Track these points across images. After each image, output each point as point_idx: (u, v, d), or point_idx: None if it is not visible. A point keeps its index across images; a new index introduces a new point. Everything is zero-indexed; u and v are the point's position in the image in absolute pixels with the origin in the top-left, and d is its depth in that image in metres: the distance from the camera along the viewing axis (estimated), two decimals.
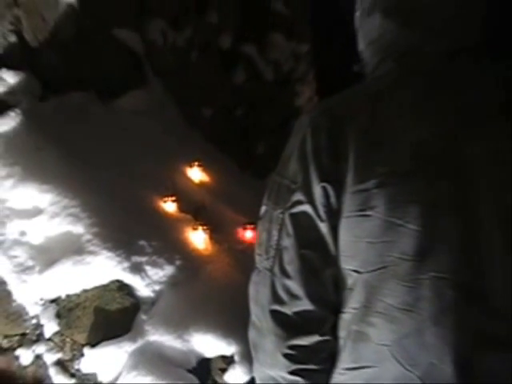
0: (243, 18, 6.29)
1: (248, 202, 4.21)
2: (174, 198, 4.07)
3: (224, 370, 3.44)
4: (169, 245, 3.71)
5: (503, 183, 1.31)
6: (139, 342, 3.36)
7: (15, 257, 3.51)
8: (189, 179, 4.63)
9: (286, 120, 5.89)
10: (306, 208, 1.37)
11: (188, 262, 3.70)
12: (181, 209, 4.11)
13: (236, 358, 3.43)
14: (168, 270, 3.57)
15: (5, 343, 3.48)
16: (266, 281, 1.42)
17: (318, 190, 1.35)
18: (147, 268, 3.53)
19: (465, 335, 1.27)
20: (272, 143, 5.89)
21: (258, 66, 6.51)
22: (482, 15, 1.49)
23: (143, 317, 3.46)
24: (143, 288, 3.50)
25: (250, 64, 6.41)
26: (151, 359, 3.31)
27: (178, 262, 3.64)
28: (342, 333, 1.39)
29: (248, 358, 3.13)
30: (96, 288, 3.46)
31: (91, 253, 3.45)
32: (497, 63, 1.49)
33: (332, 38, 6.34)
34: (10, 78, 4.31)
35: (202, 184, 4.72)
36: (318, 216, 1.36)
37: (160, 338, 3.38)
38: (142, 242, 3.60)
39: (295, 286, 1.38)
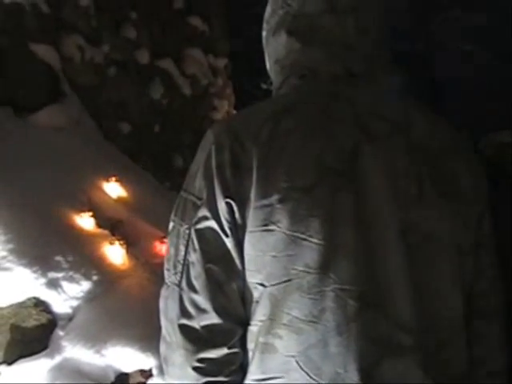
0: (160, 33, 6.31)
1: (166, 215, 4.14)
2: (90, 214, 4.03)
3: None
4: (85, 260, 3.68)
5: (399, 197, 1.39)
6: (57, 359, 3.32)
7: None
8: (106, 194, 4.59)
9: (203, 134, 5.92)
10: (211, 224, 1.40)
11: (105, 277, 3.69)
12: (98, 224, 4.08)
13: (154, 371, 3.42)
14: (85, 286, 3.55)
15: None
16: (174, 295, 1.44)
17: (222, 206, 1.38)
18: (64, 284, 3.49)
19: (368, 344, 1.32)
20: (190, 156, 5.91)
21: (176, 80, 6.53)
22: (380, 42, 1.58)
23: (60, 333, 3.42)
24: (60, 304, 3.46)
25: (168, 79, 6.43)
26: (69, 375, 3.26)
27: (94, 277, 3.62)
28: (251, 345, 1.42)
29: None
30: (12, 305, 3.40)
31: (7, 269, 3.40)
32: (391, 88, 1.58)
33: (250, 53, 6.45)
34: None
35: (119, 199, 4.69)
36: (223, 231, 1.39)
37: (78, 353, 3.34)
38: (59, 258, 3.56)
39: (202, 300, 1.40)
